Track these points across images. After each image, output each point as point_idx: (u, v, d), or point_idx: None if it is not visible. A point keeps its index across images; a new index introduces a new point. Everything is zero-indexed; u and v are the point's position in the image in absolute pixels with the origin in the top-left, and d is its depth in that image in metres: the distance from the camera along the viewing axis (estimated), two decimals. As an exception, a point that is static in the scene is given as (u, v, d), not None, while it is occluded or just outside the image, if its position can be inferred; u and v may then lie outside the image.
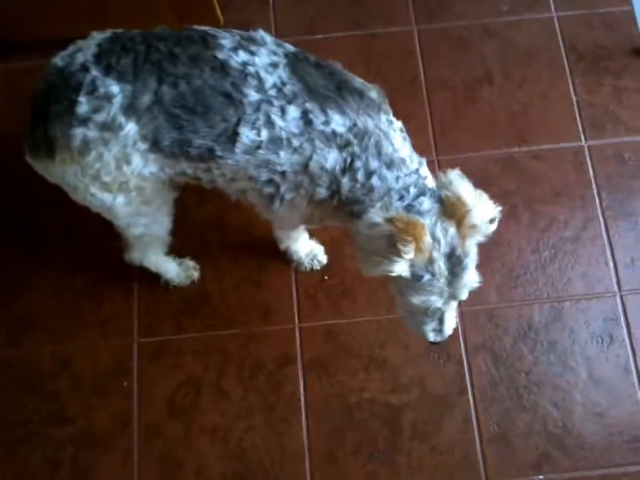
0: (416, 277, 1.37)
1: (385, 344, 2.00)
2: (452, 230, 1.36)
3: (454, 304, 1.49)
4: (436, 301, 1.42)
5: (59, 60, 1.41)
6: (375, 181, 1.41)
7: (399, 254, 1.31)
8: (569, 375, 1.96)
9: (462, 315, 2.02)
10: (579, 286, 2.06)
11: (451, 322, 1.52)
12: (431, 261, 1.35)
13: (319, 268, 2.07)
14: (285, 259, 2.05)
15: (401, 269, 1.34)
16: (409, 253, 1.31)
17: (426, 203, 1.39)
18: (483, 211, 1.37)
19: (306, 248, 2.03)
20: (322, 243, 2.07)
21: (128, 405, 1.96)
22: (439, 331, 1.51)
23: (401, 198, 1.41)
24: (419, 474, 1.88)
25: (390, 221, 1.32)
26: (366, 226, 1.38)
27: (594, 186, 2.17)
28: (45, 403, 1.97)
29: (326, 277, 2.07)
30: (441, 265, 1.36)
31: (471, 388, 1.95)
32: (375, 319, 2.02)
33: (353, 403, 1.94)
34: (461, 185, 1.38)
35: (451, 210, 1.36)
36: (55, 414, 1.95)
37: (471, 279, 1.41)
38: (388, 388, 1.96)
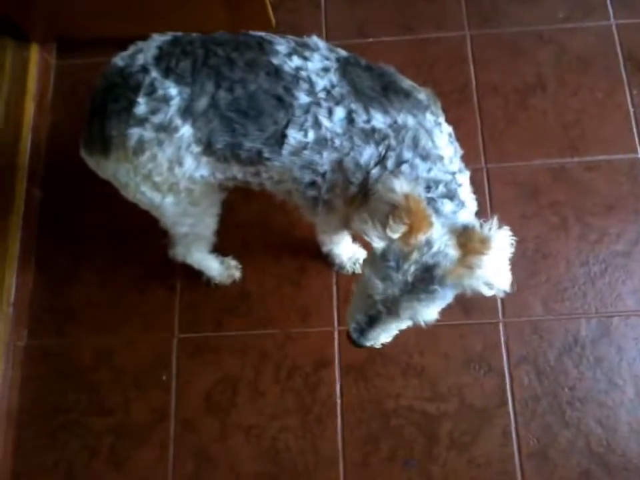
0: (383, 257, 1.26)
1: (423, 351, 1.97)
2: (451, 253, 1.25)
3: (390, 321, 1.34)
4: (377, 289, 1.28)
5: (119, 60, 1.43)
6: (404, 168, 1.35)
7: (385, 227, 1.23)
8: (615, 392, 1.90)
9: (505, 325, 1.98)
10: (629, 302, 1.99)
11: (378, 335, 1.38)
12: (407, 256, 1.24)
13: (360, 272, 2.05)
14: (326, 261, 2.05)
15: (377, 241, 1.25)
16: (395, 234, 1.23)
17: (448, 207, 1.32)
18: (494, 272, 1.26)
19: (348, 252, 2.02)
20: (364, 247, 2.05)
21: (166, 399, 1.98)
22: (361, 330, 1.37)
23: (428, 188, 1.33)
24: (455, 486, 1.85)
25: (406, 196, 1.23)
26: (385, 187, 1.29)
27: (648, 200, 2.10)
28: (85, 393, 2.00)
29: (367, 281, 2.05)
30: (411, 268, 1.24)
31: (511, 401, 1.91)
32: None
33: (390, 409, 1.92)
34: (500, 239, 1.26)
35: (467, 240, 1.26)
36: (95, 404, 1.99)
37: (424, 310, 1.29)
38: (426, 396, 1.93)
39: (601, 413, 1.88)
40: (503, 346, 1.96)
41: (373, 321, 1.35)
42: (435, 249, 1.25)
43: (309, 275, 2.07)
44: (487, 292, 1.28)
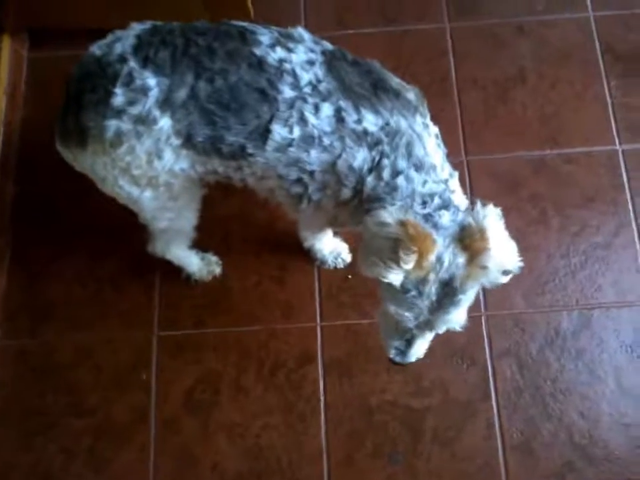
0: (403, 289, 1.28)
1: (407, 346, 1.96)
2: (460, 260, 1.26)
3: (429, 335, 1.40)
4: (409, 321, 1.32)
5: (96, 48, 1.39)
6: (400, 180, 1.35)
7: (398, 262, 1.22)
8: (597, 384, 1.91)
9: (487, 319, 1.98)
10: (609, 293, 2.01)
11: (418, 350, 1.43)
12: (424, 280, 1.26)
13: (342, 266, 2.04)
14: (308, 256, 2.03)
15: (395, 277, 1.25)
16: (409, 264, 1.22)
17: (446, 218, 1.32)
18: (503, 259, 1.27)
19: (330, 246, 2.01)
20: (346, 241, 2.04)
21: (146, 398, 1.95)
22: (403, 352, 1.42)
23: (424, 204, 1.33)
24: (439, 480, 1.85)
25: (402, 224, 1.23)
26: (375, 222, 1.28)
27: (627, 191, 2.12)
28: (63, 394, 1.96)
29: (349, 276, 2.04)
30: (432, 289, 1.27)
31: (494, 394, 1.91)
32: (398, 320, 1.98)
33: (374, 404, 1.91)
34: (493, 223, 1.27)
35: (469, 240, 1.26)
36: (72, 405, 1.95)
37: (455, 318, 1.32)
38: (409, 391, 1.92)
39: (583, 405, 1.90)
40: (485, 339, 1.96)
41: (410, 342, 1.40)
42: (446, 263, 1.26)
43: (291, 271, 2.05)
44: (505, 279, 1.30)
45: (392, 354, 1.44)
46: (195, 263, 2.00)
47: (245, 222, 2.11)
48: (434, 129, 1.44)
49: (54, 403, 1.95)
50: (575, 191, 2.13)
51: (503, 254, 1.27)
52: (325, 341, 1.98)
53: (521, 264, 1.29)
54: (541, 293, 2.01)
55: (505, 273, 1.28)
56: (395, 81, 1.44)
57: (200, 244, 1.97)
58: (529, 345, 1.96)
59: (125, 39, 1.37)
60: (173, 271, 2.01)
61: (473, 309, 1.94)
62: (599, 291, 2.01)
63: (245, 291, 2.04)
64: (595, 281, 2.02)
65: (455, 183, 1.42)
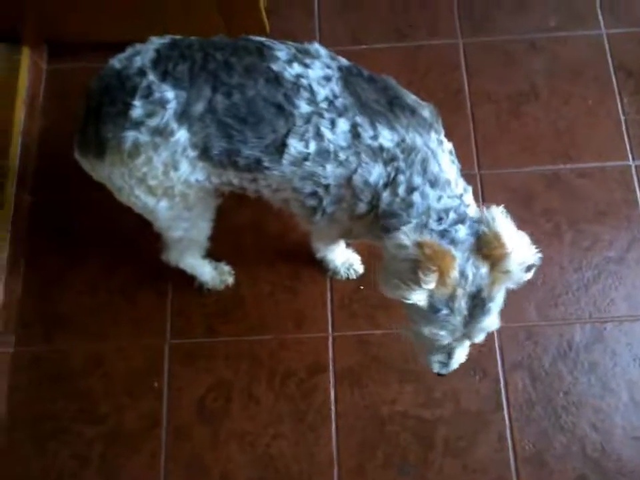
0: (433, 309, 1.30)
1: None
2: (483, 270, 1.28)
3: (466, 343, 1.42)
4: (446, 338, 1.35)
5: (116, 62, 1.41)
6: (415, 197, 1.36)
7: (419, 282, 1.23)
8: (610, 397, 1.90)
9: (500, 331, 1.97)
10: (622, 307, 2.00)
11: (460, 357, 1.45)
12: (452, 297, 1.28)
13: (354, 277, 2.04)
14: (320, 266, 2.04)
15: (417, 298, 1.27)
16: (430, 284, 1.24)
17: (462, 232, 1.33)
18: (522, 257, 1.29)
19: (342, 257, 2.01)
20: (358, 252, 2.05)
21: (157, 406, 1.95)
22: (445, 364, 1.45)
23: (439, 220, 1.35)
24: (450, 492, 1.83)
25: (419, 245, 1.25)
26: (394, 245, 1.31)
27: (640, 206, 2.12)
28: (75, 400, 1.97)
29: (361, 287, 2.05)
30: (462, 304, 1.29)
31: (506, 406, 1.90)
32: (410, 331, 1.98)
33: (385, 415, 1.91)
34: (502, 224, 1.30)
35: (487, 249, 1.28)
36: (85, 412, 1.95)
37: (490, 323, 1.34)
38: (421, 402, 1.92)
39: (596, 418, 1.88)
40: (497, 351, 1.96)
41: (451, 353, 1.43)
42: (470, 276, 1.28)
43: (303, 281, 2.06)
44: (530, 274, 1.32)
45: (436, 368, 1.47)
46: (208, 272, 2.01)
47: (258, 232, 2.12)
48: (448, 145, 1.45)
49: (66, 410, 1.95)
50: (588, 205, 2.13)
51: (522, 252, 1.28)
52: (337, 351, 1.98)
53: (540, 254, 1.31)
54: (554, 306, 2.00)
55: (529, 268, 1.31)
56: (411, 98, 1.45)
57: (213, 253, 1.99)
58: (542, 358, 1.95)
59: (144, 53, 1.40)
60: (186, 280, 2.02)
61: (485, 320, 1.97)
62: (612, 305, 2.01)
63: (257, 301, 2.05)
64: (607, 295, 2.02)
65: (469, 197, 1.43)
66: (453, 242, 1.32)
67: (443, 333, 1.33)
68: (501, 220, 1.30)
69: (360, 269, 2.04)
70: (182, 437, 1.91)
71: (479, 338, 1.37)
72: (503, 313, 1.94)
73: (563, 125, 2.24)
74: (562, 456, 1.85)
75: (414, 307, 1.31)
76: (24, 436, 1.93)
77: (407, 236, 1.29)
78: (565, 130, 2.23)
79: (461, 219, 1.35)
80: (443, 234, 1.33)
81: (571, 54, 2.33)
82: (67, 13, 2.21)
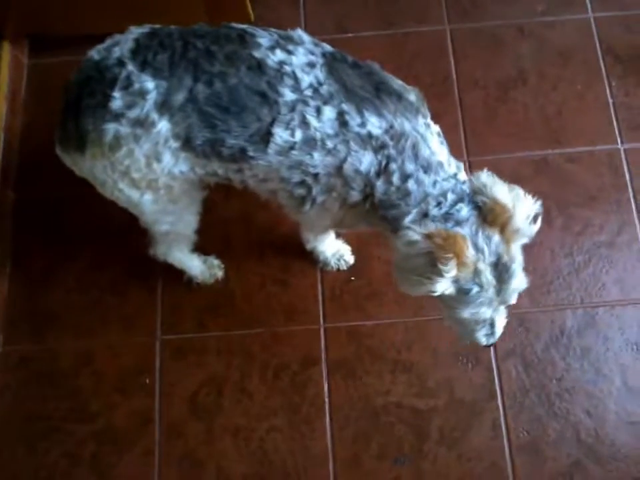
0: (463, 291, 1.33)
1: (411, 347, 1.95)
2: (496, 237, 1.32)
3: (503, 309, 1.44)
4: (485, 312, 1.38)
5: (95, 53, 1.40)
6: (411, 184, 1.36)
7: (440, 273, 1.26)
8: (603, 382, 1.90)
9: (492, 318, 1.97)
10: (613, 291, 2.00)
11: (501, 323, 1.48)
12: (477, 272, 1.31)
13: (345, 268, 2.03)
14: (310, 258, 2.02)
15: (443, 287, 1.30)
16: (451, 271, 1.27)
17: (464, 210, 1.35)
18: (525, 211, 1.33)
19: (332, 248, 2.00)
20: (349, 243, 2.04)
21: (149, 403, 1.93)
22: (491, 334, 1.48)
23: (439, 204, 1.36)
24: (445, 481, 1.83)
25: (428, 237, 1.28)
26: (404, 243, 1.33)
27: (630, 190, 2.12)
28: (66, 399, 1.95)
29: (352, 278, 2.04)
30: (487, 276, 1.32)
31: (500, 394, 1.90)
32: (402, 320, 1.98)
33: (379, 406, 1.90)
34: (495, 187, 1.34)
35: (492, 216, 1.32)
36: (76, 410, 1.93)
37: (519, 283, 1.37)
38: (414, 392, 1.91)
39: (589, 404, 1.88)
40: (490, 339, 1.95)
41: (493, 323, 1.46)
42: (485, 248, 1.31)
43: (294, 273, 2.04)
44: (537, 225, 1.37)
45: (484, 342, 1.49)
46: (197, 266, 1.99)
47: (246, 224, 2.10)
48: (435, 128, 1.45)
49: (57, 409, 1.93)
50: (578, 190, 2.13)
51: (523, 207, 1.33)
52: (329, 343, 1.97)
53: (539, 201, 1.38)
54: (546, 292, 2.00)
55: (534, 219, 1.36)
56: (397, 83, 1.44)
57: (202, 247, 1.97)
58: (534, 344, 1.95)
59: (123, 43, 1.38)
60: (175, 275, 2.00)
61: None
62: (603, 289, 2.00)
63: (247, 294, 2.03)
64: (599, 279, 2.02)
65: (463, 174, 1.45)
66: (458, 222, 1.34)
67: (482, 309, 1.37)
68: (492, 184, 1.34)
69: (350, 259, 2.03)
70: (175, 434, 1.90)
71: (514, 300, 1.40)
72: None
73: (551, 109, 2.23)
74: (556, 442, 1.85)
75: (444, 296, 1.34)
76: (14, 436, 1.91)
77: (414, 231, 1.31)
78: (553, 115, 2.22)
79: (460, 198, 1.37)
80: (446, 217, 1.35)
81: (559, 38, 2.32)
82: (48, 7, 2.18)
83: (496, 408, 1.89)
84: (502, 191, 1.33)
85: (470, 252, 1.29)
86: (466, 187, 1.39)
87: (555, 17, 2.35)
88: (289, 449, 1.87)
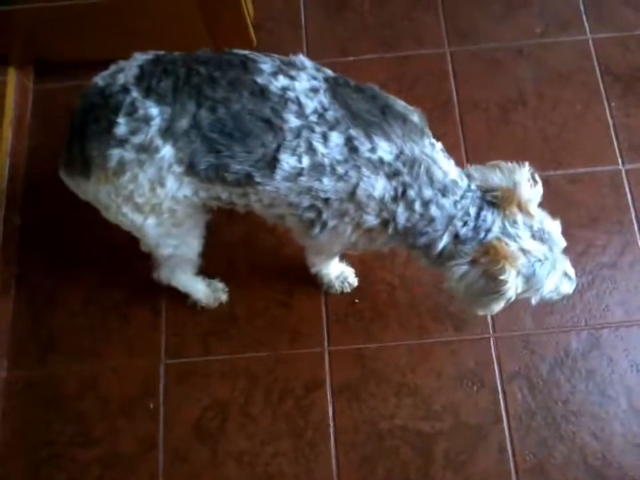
0: (529, 276, 1.42)
1: (416, 369, 1.95)
2: (519, 217, 1.42)
3: (562, 255, 1.51)
4: (557, 270, 1.46)
5: (99, 79, 1.41)
6: (433, 210, 1.41)
7: (504, 282, 1.37)
8: (608, 404, 1.90)
9: (496, 340, 1.97)
10: (617, 313, 2.00)
11: (570, 268, 1.56)
12: (527, 255, 1.40)
13: (349, 291, 2.03)
14: (314, 281, 2.02)
15: (513, 289, 1.40)
16: (511, 276, 1.37)
17: (489, 217, 1.42)
18: (524, 181, 1.43)
19: (336, 270, 2.00)
20: (352, 265, 2.04)
21: (154, 427, 1.93)
22: (571, 280, 1.56)
23: (465, 223, 1.42)
24: (452, 505, 1.82)
25: (473, 262, 1.39)
26: (457, 280, 1.42)
27: (632, 210, 2.12)
28: (70, 424, 1.94)
29: (356, 300, 2.04)
30: (534, 247, 1.41)
31: (506, 417, 1.89)
32: (406, 343, 1.98)
33: (384, 429, 1.89)
34: (488, 174, 1.44)
35: (505, 203, 1.41)
36: (80, 435, 1.93)
37: (556, 227, 1.48)
38: (420, 415, 1.90)
39: (595, 426, 1.88)
40: (494, 361, 1.95)
41: (565, 272, 1.54)
42: (518, 232, 1.42)
43: (298, 296, 2.04)
44: (540, 186, 1.49)
45: (571, 290, 1.58)
46: (201, 290, 2.00)
47: (250, 248, 2.11)
48: (438, 145, 1.48)
49: (60, 434, 1.93)
50: (580, 211, 2.13)
51: (519, 178, 1.43)
52: (333, 366, 1.96)
53: (526, 162, 1.47)
54: (550, 314, 2.00)
55: (533, 179, 1.46)
56: (400, 104, 1.45)
57: (206, 270, 1.97)
58: (539, 367, 1.94)
59: (127, 70, 1.39)
60: (179, 298, 2.01)
61: (481, 330, 1.97)
62: (607, 310, 2.00)
63: (251, 317, 2.03)
64: (602, 301, 2.01)
65: (474, 185, 1.48)
66: (487, 231, 1.42)
67: (556, 276, 1.47)
68: (482, 173, 1.44)
69: (354, 282, 2.03)
70: (179, 458, 1.89)
71: (563, 241, 1.49)
72: (499, 322, 1.98)
73: (551, 130, 2.24)
74: (563, 465, 1.84)
75: (520, 293, 1.45)
76: (19, 460, 1.91)
77: (459, 265, 1.40)
78: (554, 136, 2.23)
79: (480, 207, 1.44)
80: (477, 231, 1.43)
81: (558, 60, 2.34)
82: (53, 33, 2.20)
83: (501, 431, 1.88)
84: (492, 175, 1.44)
85: (512, 248, 1.39)
86: (480, 193, 1.45)
87: (553, 38, 2.37)
88: (294, 473, 1.86)
